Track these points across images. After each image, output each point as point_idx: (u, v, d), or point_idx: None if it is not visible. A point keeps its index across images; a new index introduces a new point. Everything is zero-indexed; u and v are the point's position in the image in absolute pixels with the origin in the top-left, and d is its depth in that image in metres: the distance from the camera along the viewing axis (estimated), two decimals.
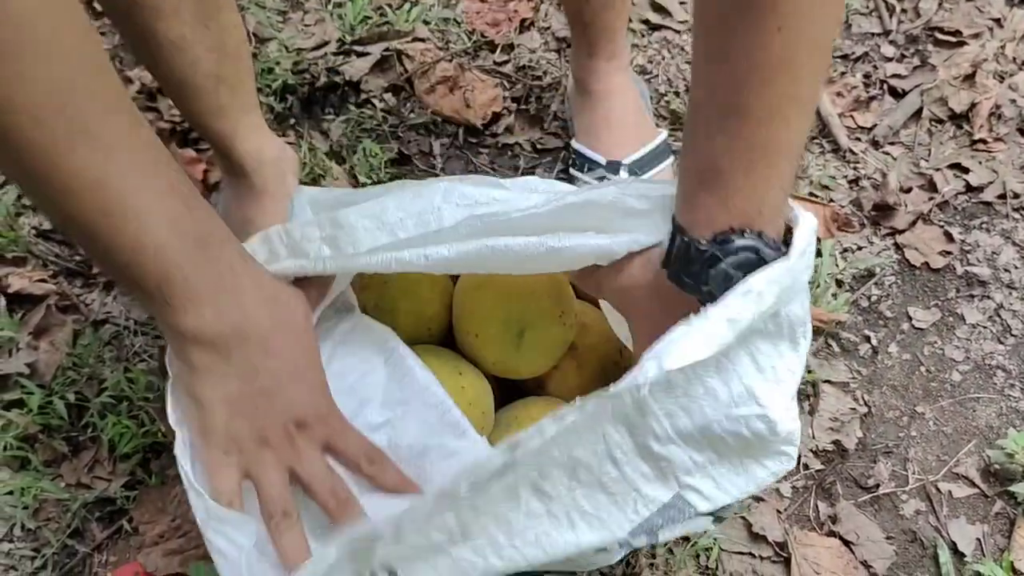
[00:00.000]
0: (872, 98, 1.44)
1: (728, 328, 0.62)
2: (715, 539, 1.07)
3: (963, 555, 1.06)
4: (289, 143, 1.37)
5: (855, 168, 1.38)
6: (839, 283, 1.27)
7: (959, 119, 1.42)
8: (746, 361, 0.68)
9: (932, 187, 1.35)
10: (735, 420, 0.69)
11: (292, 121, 1.44)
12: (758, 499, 1.11)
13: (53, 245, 1.34)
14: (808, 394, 1.18)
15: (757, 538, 1.08)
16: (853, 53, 1.49)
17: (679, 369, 0.61)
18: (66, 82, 0.63)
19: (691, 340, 0.61)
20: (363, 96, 1.45)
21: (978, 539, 1.08)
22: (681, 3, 1.54)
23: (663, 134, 1.32)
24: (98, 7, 1.51)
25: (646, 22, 1.53)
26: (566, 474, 0.68)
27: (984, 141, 1.39)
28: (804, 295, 0.70)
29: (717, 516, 0.75)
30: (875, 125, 1.42)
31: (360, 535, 0.65)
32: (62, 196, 0.66)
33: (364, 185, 1.35)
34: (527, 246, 0.74)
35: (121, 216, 0.67)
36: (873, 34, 1.52)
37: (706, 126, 0.69)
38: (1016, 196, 1.34)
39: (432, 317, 0.99)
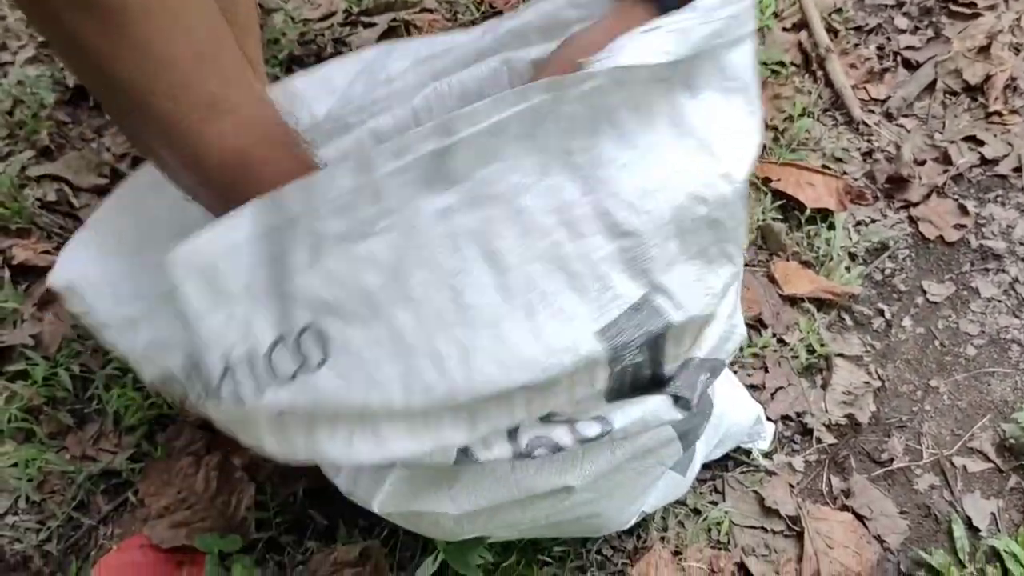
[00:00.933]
0: (886, 70, 1.42)
1: (677, 39, 0.62)
2: (726, 512, 1.06)
3: (978, 530, 1.05)
4: None
5: (868, 140, 1.36)
6: (852, 256, 1.26)
7: (974, 91, 1.40)
8: (703, 112, 0.67)
9: (946, 160, 1.33)
10: (692, 177, 0.66)
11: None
12: (770, 473, 1.09)
13: (57, 217, 1.33)
14: (821, 368, 1.17)
15: (769, 512, 1.07)
16: (867, 24, 1.47)
17: (633, 118, 0.60)
18: None
19: (643, 43, 0.61)
20: None
21: (993, 514, 1.07)
22: None
23: None
24: None
25: None
26: (517, 230, 0.62)
27: (999, 114, 1.37)
28: (750, 43, 0.68)
29: (681, 403, 0.71)
30: (888, 97, 1.40)
31: (268, 204, 0.59)
32: None
33: None
34: (477, 73, 0.74)
35: None
36: (886, 5, 1.50)
37: None
38: None
39: None
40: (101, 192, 1.35)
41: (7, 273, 1.25)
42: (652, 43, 0.62)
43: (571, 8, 0.78)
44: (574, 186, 0.62)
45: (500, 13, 1.48)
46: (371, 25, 1.47)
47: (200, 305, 0.58)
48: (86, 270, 0.71)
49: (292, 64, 1.44)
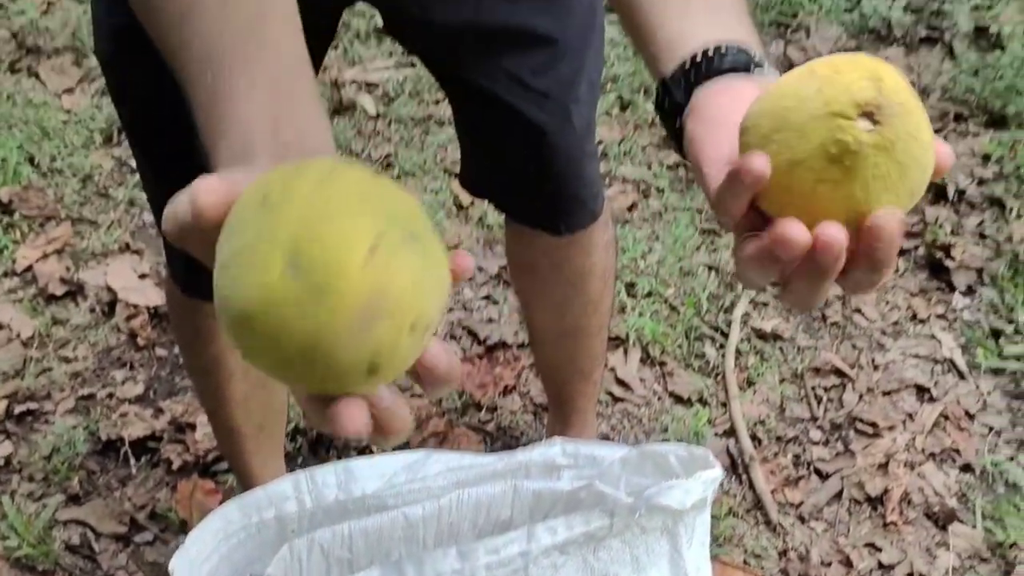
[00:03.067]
0: (800, 478, 1.68)
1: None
2: None
3: None
4: None
5: (784, 540, 1.59)
6: None
7: (874, 502, 1.65)
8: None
9: (848, 563, 1.56)
10: None
11: (300, 460, 1.66)
12: None
13: (78, 559, 1.52)
14: None
15: None
16: (785, 435, 1.75)
17: None
18: None
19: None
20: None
21: None
22: (641, 380, 1.80)
23: None
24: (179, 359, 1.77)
25: (610, 394, 1.79)
26: None
27: (895, 524, 1.62)
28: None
29: None
30: (802, 502, 1.64)
31: None
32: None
33: None
34: (491, 490, 0.97)
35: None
36: (803, 419, 1.78)
37: None
38: None
39: None
40: (119, 539, 1.55)
41: None
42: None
43: (563, 456, 1.01)
44: None
45: (478, 403, 1.75)
46: None
47: None
48: None
49: (296, 434, 1.68)
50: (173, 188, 0.52)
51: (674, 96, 0.66)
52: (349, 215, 0.43)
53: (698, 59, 0.65)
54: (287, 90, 0.58)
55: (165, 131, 0.99)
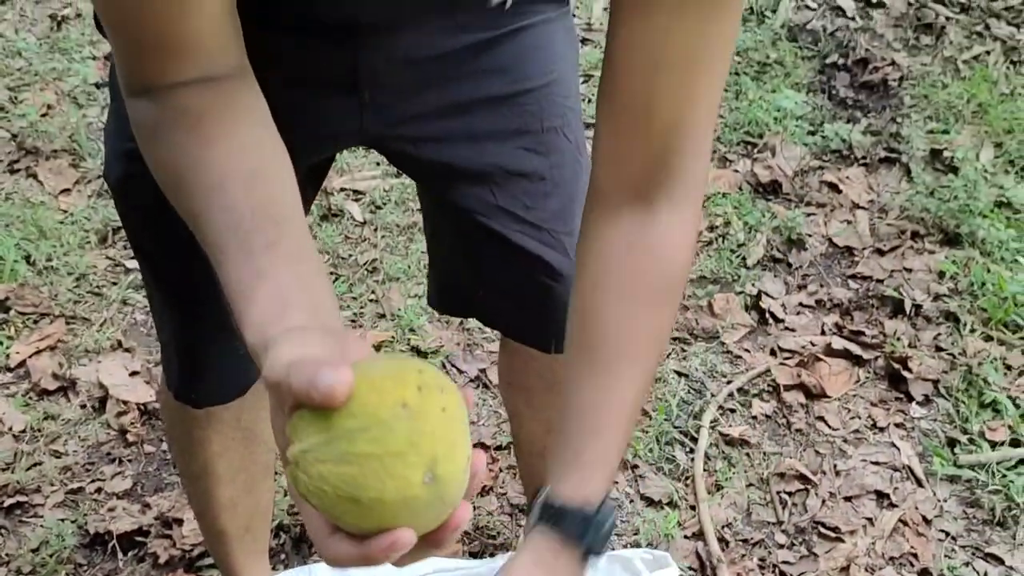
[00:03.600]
0: None
1: None
2: None
3: None
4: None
5: None
6: None
7: None
8: None
9: None
10: None
11: (283, 557, 1.71)
12: None
13: None
14: None
15: None
16: (751, 538, 1.82)
17: None
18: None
19: None
20: None
21: None
22: (614, 484, 1.87)
23: None
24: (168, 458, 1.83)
25: None
26: None
27: None
28: None
29: None
30: None
31: None
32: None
33: None
34: None
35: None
36: (768, 523, 1.85)
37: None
38: None
39: None
40: None
41: None
42: None
43: (534, 566, 1.08)
44: None
45: None
46: None
47: None
48: None
49: (280, 531, 1.74)
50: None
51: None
52: (461, 441, 0.62)
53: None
54: (306, 269, 0.74)
55: (169, 250, 1.07)
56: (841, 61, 3.08)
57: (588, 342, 0.90)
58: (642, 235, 0.88)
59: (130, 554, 1.71)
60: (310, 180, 1.19)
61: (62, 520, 1.75)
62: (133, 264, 2.23)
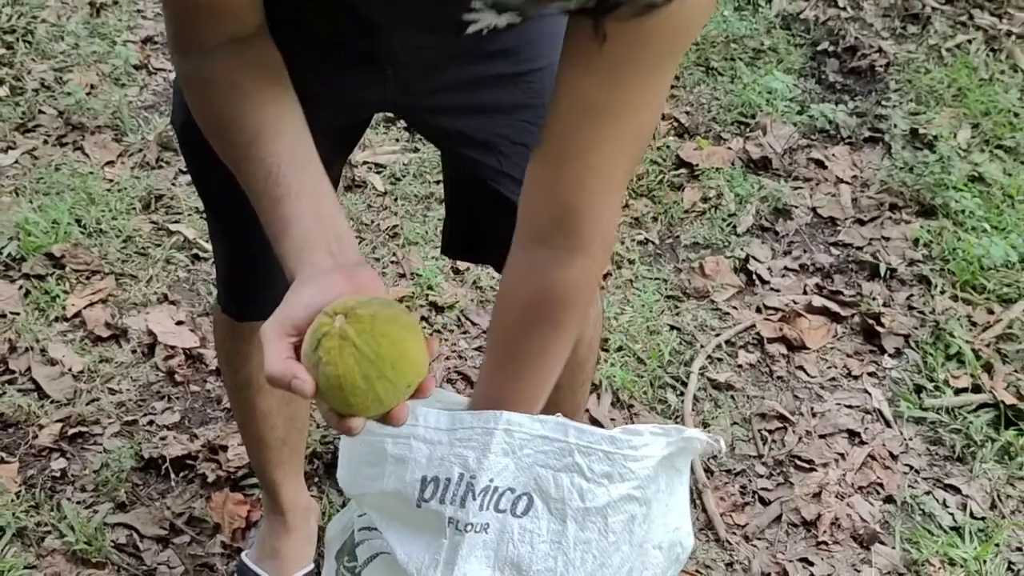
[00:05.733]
0: (746, 503, 1.96)
1: None
2: None
3: None
4: (313, 496, 1.84)
5: (731, 555, 1.86)
6: None
7: (808, 525, 1.92)
8: None
9: (785, 574, 1.83)
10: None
11: (316, 480, 1.92)
12: None
13: (125, 556, 1.77)
14: None
15: None
16: (734, 469, 2.02)
17: None
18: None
19: None
20: None
21: None
22: (612, 420, 2.08)
23: None
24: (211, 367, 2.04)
25: None
26: None
27: (826, 543, 1.89)
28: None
29: None
30: (747, 524, 1.92)
31: None
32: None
33: None
34: None
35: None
36: (750, 456, 2.06)
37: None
38: None
39: None
40: (160, 540, 1.81)
41: None
42: None
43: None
44: None
45: None
46: None
47: None
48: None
49: (313, 458, 1.95)
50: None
51: None
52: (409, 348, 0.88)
53: None
54: (326, 211, 0.96)
55: (223, 185, 1.26)
56: (831, 48, 3.28)
57: (492, 340, 1.15)
58: (541, 268, 1.05)
59: (181, 475, 1.92)
60: (338, 152, 1.38)
61: (120, 447, 1.96)
62: (176, 228, 2.45)
